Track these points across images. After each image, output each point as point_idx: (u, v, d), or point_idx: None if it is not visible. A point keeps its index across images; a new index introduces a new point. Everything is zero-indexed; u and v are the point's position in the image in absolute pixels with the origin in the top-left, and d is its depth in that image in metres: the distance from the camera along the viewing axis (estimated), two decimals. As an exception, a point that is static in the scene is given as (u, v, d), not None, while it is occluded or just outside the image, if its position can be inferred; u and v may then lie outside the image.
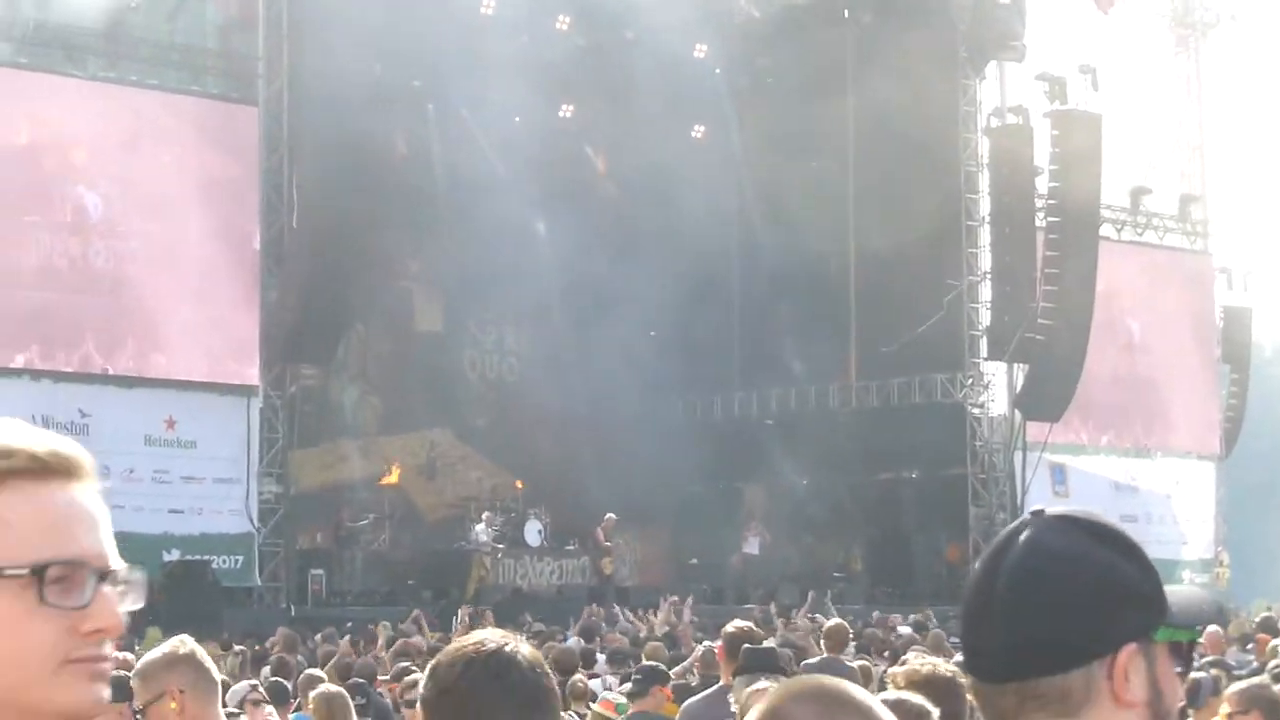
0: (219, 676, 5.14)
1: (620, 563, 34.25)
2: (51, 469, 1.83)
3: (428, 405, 35.98)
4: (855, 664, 12.06)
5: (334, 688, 9.88)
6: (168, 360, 28.45)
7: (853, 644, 15.28)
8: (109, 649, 1.84)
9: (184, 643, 5.15)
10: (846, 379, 37.06)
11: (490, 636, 3.07)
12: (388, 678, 11.86)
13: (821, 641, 13.74)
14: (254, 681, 11.11)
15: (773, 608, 25.37)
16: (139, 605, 1.87)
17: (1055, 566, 2.03)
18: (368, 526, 33.54)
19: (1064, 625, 2.01)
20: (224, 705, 8.54)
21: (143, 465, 27.88)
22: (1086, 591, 2.02)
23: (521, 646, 3.07)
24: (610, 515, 32.65)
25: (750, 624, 10.07)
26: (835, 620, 14.28)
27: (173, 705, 4.86)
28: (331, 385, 35.75)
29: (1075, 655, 2.02)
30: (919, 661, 5.74)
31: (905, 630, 21.21)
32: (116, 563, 1.84)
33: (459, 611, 24.15)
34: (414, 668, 11.93)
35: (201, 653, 5.13)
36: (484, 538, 31.76)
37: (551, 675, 3.12)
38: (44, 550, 1.79)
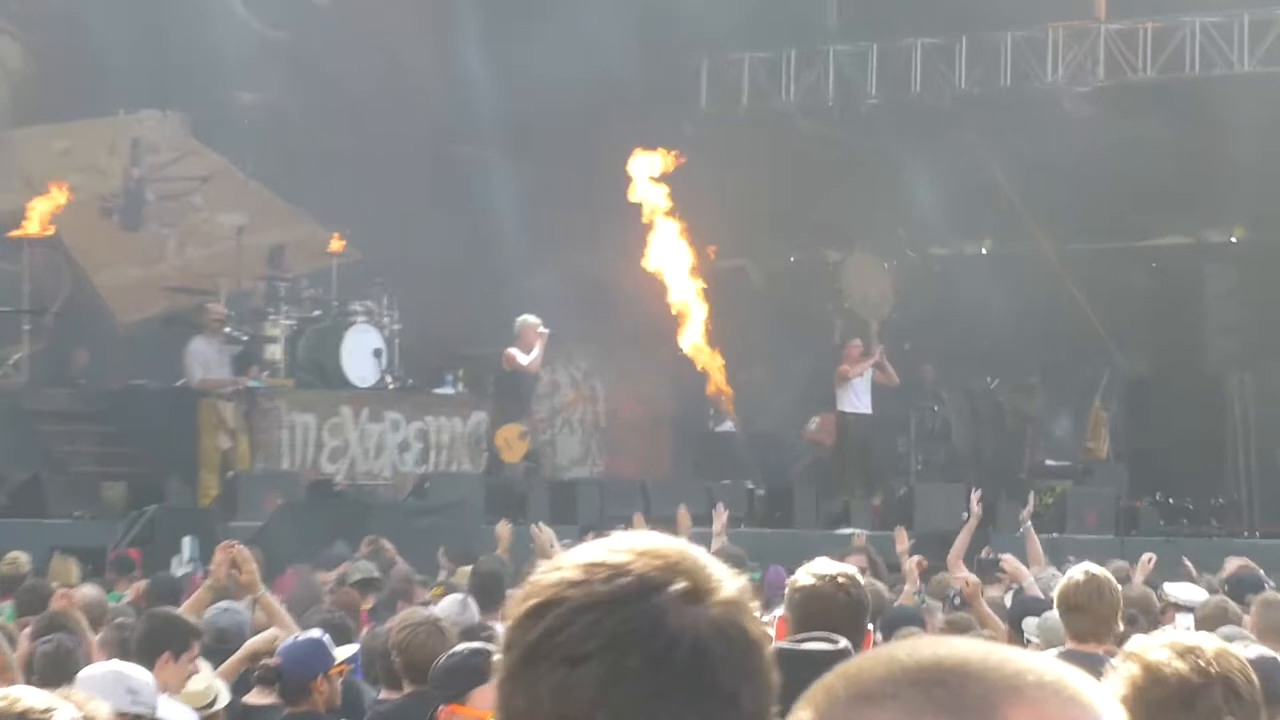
0: None
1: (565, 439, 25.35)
2: None
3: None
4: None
5: None
6: None
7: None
8: None
9: None
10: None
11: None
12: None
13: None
14: None
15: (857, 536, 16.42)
16: None
17: None
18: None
19: None
20: None
21: None
22: None
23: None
24: (529, 318, 20.94)
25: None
26: (1087, 567, 7.52)
27: None
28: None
29: None
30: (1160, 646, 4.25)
31: (1184, 593, 11.80)
32: None
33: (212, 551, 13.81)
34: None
35: None
36: (211, 359, 20.57)
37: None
38: None
